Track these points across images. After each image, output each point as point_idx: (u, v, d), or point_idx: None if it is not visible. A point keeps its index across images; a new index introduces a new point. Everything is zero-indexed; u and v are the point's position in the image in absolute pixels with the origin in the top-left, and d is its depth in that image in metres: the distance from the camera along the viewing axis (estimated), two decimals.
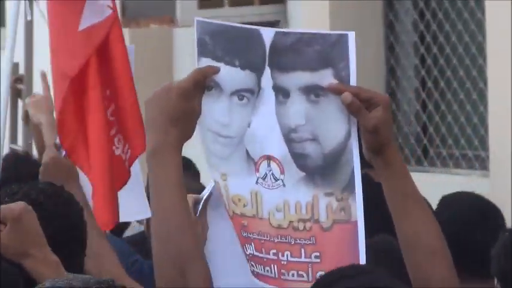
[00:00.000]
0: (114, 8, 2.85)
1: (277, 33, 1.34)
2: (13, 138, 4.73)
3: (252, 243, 1.37)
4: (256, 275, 1.39)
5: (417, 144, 5.65)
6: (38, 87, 3.47)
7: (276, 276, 1.36)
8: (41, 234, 1.62)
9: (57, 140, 2.78)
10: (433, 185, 4.39)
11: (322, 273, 1.23)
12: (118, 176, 2.75)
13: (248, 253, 1.38)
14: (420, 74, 5.59)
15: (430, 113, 5.57)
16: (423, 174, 5.15)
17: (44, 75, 3.20)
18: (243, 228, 1.39)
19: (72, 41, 2.80)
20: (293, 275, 1.34)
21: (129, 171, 2.82)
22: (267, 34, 1.32)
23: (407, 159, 5.45)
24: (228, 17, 4.15)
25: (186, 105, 1.30)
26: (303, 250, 1.33)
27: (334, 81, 1.26)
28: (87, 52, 2.75)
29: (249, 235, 1.38)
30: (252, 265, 1.38)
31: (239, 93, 1.36)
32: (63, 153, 2.72)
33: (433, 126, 5.55)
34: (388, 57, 5.68)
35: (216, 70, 1.33)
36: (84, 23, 2.75)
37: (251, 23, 3.79)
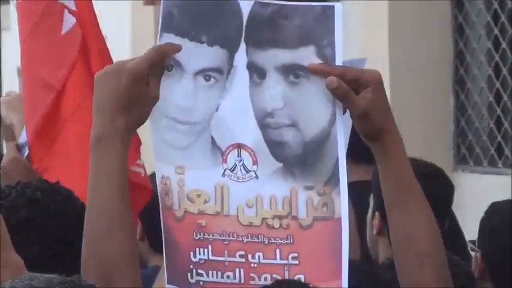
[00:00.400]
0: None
1: (256, 3, 1.22)
2: None
3: (209, 246, 1.24)
4: (204, 285, 1.25)
5: (490, 141, 5.29)
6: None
7: (242, 281, 1.23)
8: (6, 235, 1.45)
9: (21, 140, 2.77)
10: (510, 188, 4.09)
11: (301, 276, 1.19)
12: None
13: (197, 260, 1.25)
14: (494, 59, 5.22)
15: (505, 105, 5.18)
16: (497, 177, 4.95)
17: (20, 72, 3.28)
18: (198, 229, 1.26)
19: (56, 46, 2.76)
20: (266, 279, 1.21)
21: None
22: (246, 6, 1.21)
23: (478, 160, 5.17)
24: None
25: (138, 90, 1.18)
26: (278, 251, 1.22)
27: (317, 61, 1.17)
28: (72, 56, 2.73)
29: (205, 236, 1.25)
30: (199, 273, 1.25)
31: (205, 73, 1.25)
32: (25, 153, 2.72)
33: (508, 120, 5.16)
34: (457, 40, 5.39)
35: (177, 48, 1.22)
36: (66, 26, 2.72)
37: None
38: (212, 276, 1.26)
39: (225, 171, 1.26)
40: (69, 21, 2.75)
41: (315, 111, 1.20)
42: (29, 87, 2.85)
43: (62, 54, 2.77)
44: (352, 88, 1.15)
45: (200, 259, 1.27)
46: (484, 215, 2.45)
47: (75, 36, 2.76)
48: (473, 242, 2.69)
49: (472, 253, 2.62)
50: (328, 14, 1.20)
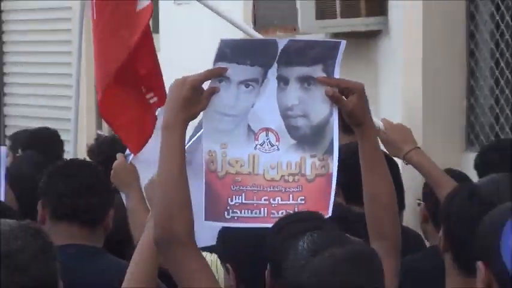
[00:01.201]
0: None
1: (290, 40, 1.96)
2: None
3: (243, 194, 1.78)
4: (238, 219, 1.78)
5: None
6: None
7: (266, 215, 1.78)
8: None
9: (126, 153, 3.24)
10: None
11: (305, 210, 1.79)
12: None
13: (233, 203, 1.77)
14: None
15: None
16: None
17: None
18: (235, 184, 1.78)
19: (128, 22, 3.17)
20: (282, 213, 1.77)
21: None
22: (282, 42, 1.83)
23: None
24: (339, 26, 5.13)
25: (193, 97, 1.68)
26: (291, 196, 1.80)
27: (323, 74, 1.79)
28: (139, 31, 3.11)
29: (240, 188, 1.78)
30: (234, 212, 1.77)
31: (246, 82, 1.80)
32: (129, 159, 3.19)
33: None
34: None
35: (226, 69, 1.75)
36: (141, 4, 3.16)
37: (358, 33, 4.95)
38: (244, 213, 1.76)
39: (256, 146, 1.79)
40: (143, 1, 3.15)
41: (319, 107, 1.79)
42: (104, 43, 3.18)
43: (136, 25, 3.11)
44: (344, 93, 1.76)
45: (236, 202, 1.77)
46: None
47: (146, 13, 3.13)
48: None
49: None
50: (336, 45, 1.81)
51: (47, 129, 6.00)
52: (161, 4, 6.47)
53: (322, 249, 1.33)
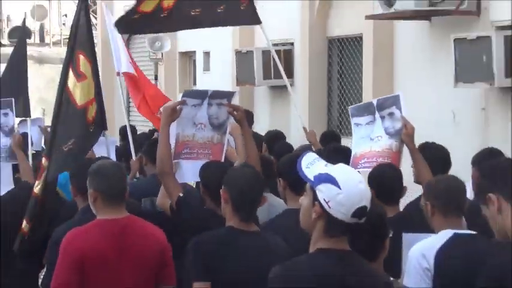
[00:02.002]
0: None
1: (213, 91, 4.22)
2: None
3: (188, 148, 3.94)
4: (185, 158, 3.95)
5: None
6: None
7: (196, 157, 3.96)
8: None
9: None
10: None
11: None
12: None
13: (184, 151, 3.93)
14: None
15: None
16: None
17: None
18: (185, 144, 3.94)
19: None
20: (204, 156, 3.96)
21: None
22: (210, 91, 4.19)
23: None
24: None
25: (171, 113, 3.76)
26: (207, 150, 4.00)
27: (226, 102, 3.99)
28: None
29: (187, 146, 3.93)
30: (184, 155, 3.93)
31: (194, 104, 3.98)
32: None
33: None
34: None
35: (184, 100, 3.89)
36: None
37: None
38: (188, 156, 3.93)
39: (195, 129, 3.92)
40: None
41: (224, 115, 4.01)
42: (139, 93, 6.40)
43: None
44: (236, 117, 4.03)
45: (185, 151, 3.92)
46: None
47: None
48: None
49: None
50: (230, 93, 4.28)
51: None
52: None
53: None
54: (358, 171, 3.65)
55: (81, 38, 5.24)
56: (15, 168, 5.85)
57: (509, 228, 2.20)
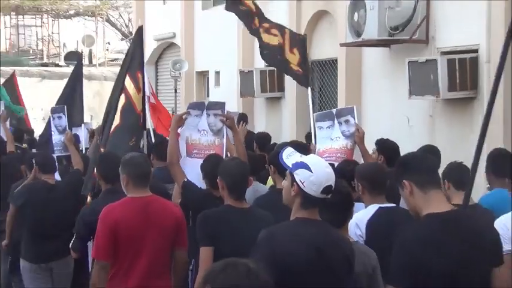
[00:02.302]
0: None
1: (209, 102, 4.55)
2: None
3: (196, 149, 3.96)
4: (194, 157, 3.91)
5: None
6: None
7: (203, 157, 3.72)
8: None
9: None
10: None
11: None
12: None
13: (194, 152, 3.94)
14: None
15: None
16: None
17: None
18: (194, 146, 3.97)
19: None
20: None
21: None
22: (207, 102, 4.43)
23: None
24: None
25: (179, 120, 3.87)
26: (211, 150, 3.89)
27: (220, 112, 4.03)
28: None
29: (195, 147, 3.98)
30: (193, 155, 3.95)
31: (196, 115, 4.06)
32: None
33: None
34: None
35: (188, 112, 4.00)
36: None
37: None
38: (196, 156, 3.89)
39: (200, 134, 3.98)
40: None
41: (219, 123, 4.01)
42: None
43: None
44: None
45: (194, 152, 3.92)
46: None
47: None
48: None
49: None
50: (223, 104, 4.11)
51: None
52: None
53: None
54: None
55: (138, 60, 5.32)
56: (68, 160, 5.79)
57: (420, 208, 2.23)
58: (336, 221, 2.63)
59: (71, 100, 6.90)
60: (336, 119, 4.68)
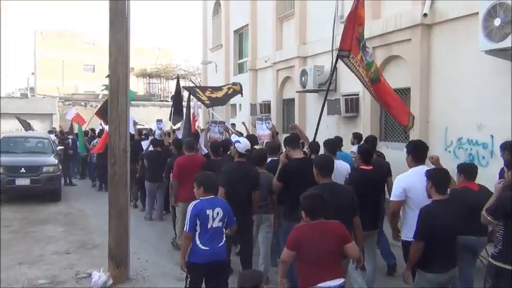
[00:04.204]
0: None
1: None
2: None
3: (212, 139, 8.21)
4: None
5: None
6: None
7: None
8: None
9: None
10: None
11: None
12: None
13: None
14: None
15: None
16: None
17: None
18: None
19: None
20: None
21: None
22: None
23: None
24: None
25: (207, 130, 8.38)
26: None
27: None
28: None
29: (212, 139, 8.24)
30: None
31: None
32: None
33: None
34: None
35: (209, 125, 8.61)
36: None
37: None
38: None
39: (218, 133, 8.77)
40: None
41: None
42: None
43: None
44: None
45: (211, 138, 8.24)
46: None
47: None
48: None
49: None
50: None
51: None
52: None
53: None
54: (262, 143, 7.62)
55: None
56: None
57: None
58: (257, 163, 5.03)
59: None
60: (264, 121, 8.67)
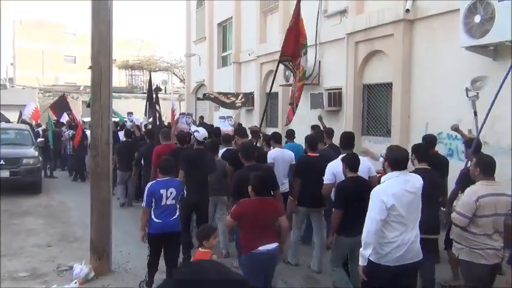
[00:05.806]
0: None
1: None
2: None
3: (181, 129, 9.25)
4: None
5: None
6: None
7: None
8: None
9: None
10: None
11: None
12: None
13: None
14: None
15: None
16: None
17: None
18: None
19: None
20: None
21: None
22: None
23: None
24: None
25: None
26: None
27: None
28: None
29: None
30: None
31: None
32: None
33: None
34: None
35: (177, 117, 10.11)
36: None
37: None
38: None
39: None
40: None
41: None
42: None
43: None
44: None
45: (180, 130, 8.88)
46: None
47: None
48: None
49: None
50: None
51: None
52: None
53: None
54: (228, 132, 8.86)
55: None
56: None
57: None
58: (211, 148, 5.98)
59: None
60: (226, 119, 11.12)
